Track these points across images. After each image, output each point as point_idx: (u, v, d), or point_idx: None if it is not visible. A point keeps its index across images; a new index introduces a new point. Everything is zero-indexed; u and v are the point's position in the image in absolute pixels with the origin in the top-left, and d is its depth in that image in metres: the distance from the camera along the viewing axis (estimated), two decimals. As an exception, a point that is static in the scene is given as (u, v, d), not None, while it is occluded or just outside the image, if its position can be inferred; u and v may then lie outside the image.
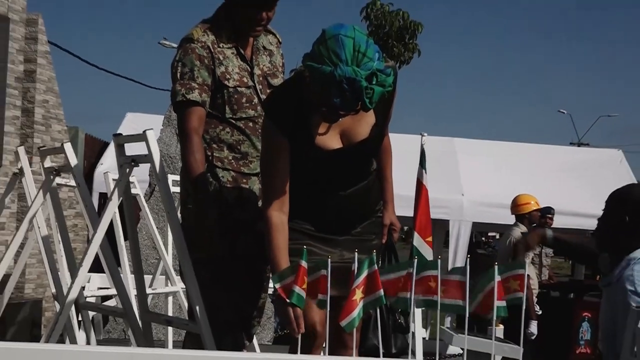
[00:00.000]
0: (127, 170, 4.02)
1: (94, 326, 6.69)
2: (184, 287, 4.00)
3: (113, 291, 6.07)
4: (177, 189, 4.39)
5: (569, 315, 9.63)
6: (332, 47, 3.13)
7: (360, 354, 3.72)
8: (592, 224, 3.82)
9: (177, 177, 4.56)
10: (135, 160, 3.99)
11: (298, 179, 3.46)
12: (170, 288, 6.79)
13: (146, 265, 8.25)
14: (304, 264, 3.05)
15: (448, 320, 11.08)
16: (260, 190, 3.89)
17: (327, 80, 3.12)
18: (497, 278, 3.10)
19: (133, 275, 4.42)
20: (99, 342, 6.96)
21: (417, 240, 7.58)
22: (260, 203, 3.84)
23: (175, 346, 6.65)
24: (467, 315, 3.19)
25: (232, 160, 3.95)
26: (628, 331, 2.50)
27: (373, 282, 3.06)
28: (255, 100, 3.98)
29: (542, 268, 10.03)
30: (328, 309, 3.09)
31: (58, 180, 5.09)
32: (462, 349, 7.09)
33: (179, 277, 5.55)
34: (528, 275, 8.89)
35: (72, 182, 5.11)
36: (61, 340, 4.47)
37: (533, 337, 8.79)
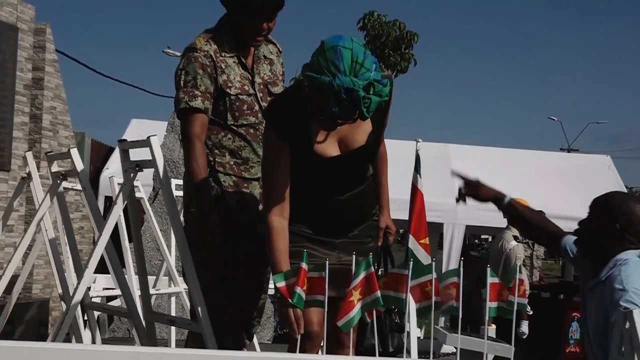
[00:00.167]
0: (132, 174, 4.03)
1: (99, 325, 6.69)
2: (187, 287, 4.00)
3: (118, 292, 6.06)
4: (180, 193, 4.39)
5: (559, 316, 9.63)
6: (331, 58, 3.13)
7: (359, 353, 3.72)
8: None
9: (181, 182, 4.56)
10: (140, 165, 4.00)
11: (297, 184, 3.46)
12: (173, 289, 6.79)
13: (150, 267, 8.25)
14: (304, 266, 3.05)
15: (442, 320, 11.07)
16: (261, 194, 3.89)
17: (326, 90, 3.12)
18: (491, 280, 3.11)
19: (137, 276, 4.41)
20: (104, 341, 6.95)
21: (412, 243, 7.57)
22: (260, 207, 3.85)
23: (178, 345, 6.64)
24: (460, 315, 3.20)
25: (234, 166, 3.96)
26: (616, 332, 2.50)
27: (370, 284, 3.07)
28: (256, 107, 3.98)
29: (533, 270, 10.04)
30: (326, 309, 3.09)
31: (65, 184, 5.08)
32: (456, 348, 7.09)
33: (182, 278, 5.56)
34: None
35: (79, 186, 5.10)
36: (67, 339, 4.46)
37: (524, 337, 8.78)
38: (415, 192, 7.79)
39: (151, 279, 6.40)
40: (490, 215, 11.39)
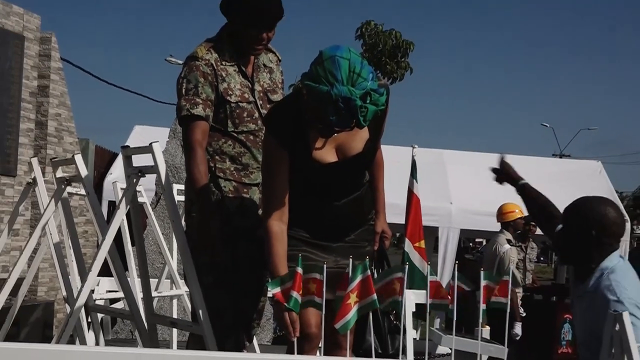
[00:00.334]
0: (134, 180, 4.03)
1: (102, 327, 6.68)
2: (188, 290, 4.00)
3: (121, 294, 6.05)
4: (182, 198, 4.39)
5: (552, 317, 9.63)
6: (329, 68, 3.13)
7: (359, 355, 3.72)
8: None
9: (182, 187, 4.56)
10: (142, 171, 4.00)
11: (296, 190, 3.46)
12: (175, 291, 6.78)
13: (152, 270, 8.24)
14: (299, 270, 3.05)
15: (437, 321, 11.08)
16: (260, 199, 3.89)
17: (324, 99, 3.12)
18: (484, 283, 3.11)
19: (140, 279, 4.41)
20: (107, 343, 6.94)
21: (408, 246, 7.60)
22: (260, 211, 3.85)
23: (179, 346, 6.64)
24: (455, 316, 3.20)
25: (234, 171, 3.96)
26: (606, 334, 2.50)
27: (366, 287, 3.07)
28: (256, 114, 3.98)
29: (526, 272, 10.01)
30: (324, 312, 3.09)
31: (69, 189, 5.09)
32: (450, 349, 7.09)
33: (183, 281, 5.55)
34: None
35: (83, 191, 5.10)
36: (71, 341, 4.47)
37: (517, 338, 8.79)
38: (411, 196, 7.82)
39: (153, 281, 6.40)
40: (484, 220, 11.43)
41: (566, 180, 12.68)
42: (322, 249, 3.55)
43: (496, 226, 9.58)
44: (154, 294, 5.89)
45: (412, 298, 5.57)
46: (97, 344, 5.18)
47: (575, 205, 3.45)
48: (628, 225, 12.58)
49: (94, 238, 9.71)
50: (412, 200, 7.80)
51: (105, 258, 4.30)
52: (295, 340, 3.20)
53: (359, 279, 3.06)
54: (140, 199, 5.30)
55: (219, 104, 3.91)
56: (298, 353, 3.22)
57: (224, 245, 3.81)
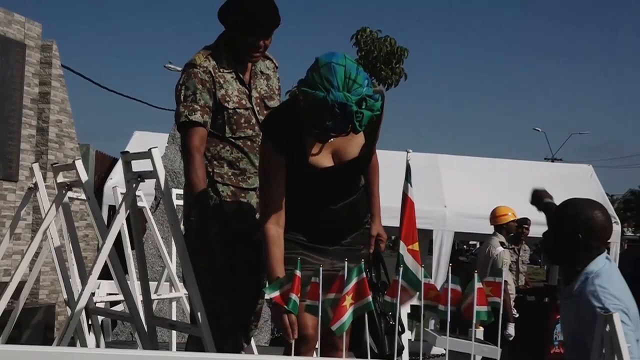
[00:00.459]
0: (134, 185, 4.03)
1: (103, 329, 6.67)
2: (187, 293, 4.00)
3: (121, 297, 6.06)
4: (181, 202, 4.39)
5: (544, 318, 9.62)
6: (325, 74, 3.14)
7: (357, 356, 3.72)
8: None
9: (181, 191, 4.57)
10: (142, 176, 4.00)
11: (293, 195, 3.46)
12: (174, 294, 6.78)
13: (152, 273, 8.24)
14: (298, 273, 3.05)
15: (432, 322, 11.07)
16: (258, 203, 3.90)
17: (320, 104, 3.12)
18: (478, 285, 3.11)
19: (139, 282, 4.41)
20: (108, 345, 6.94)
21: (403, 249, 7.59)
22: (257, 215, 3.85)
23: (178, 348, 6.63)
24: (449, 318, 3.20)
25: (232, 176, 3.96)
26: (596, 335, 2.50)
27: (361, 289, 3.07)
28: (253, 120, 3.99)
29: (519, 274, 10.01)
30: (320, 313, 3.09)
31: (70, 194, 5.08)
32: (445, 350, 7.09)
33: (182, 283, 5.55)
34: (506, 281, 8.92)
35: (83, 196, 5.10)
36: (72, 343, 4.47)
37: (511, 339, 8.79)
38: (405, 200, 7.80)
39: (153, 284, 6.40)
40: (477, 222, 11.44)
41: (558, 184, 12.63)
42: (318, 252, 3.55)
43: (489, 229, 9.59)
44: (153, 296, 5.88)
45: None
46: (97, 346, 5.17)
47: (563, 207, 3.44)
48: (618, 227, 12.61)
49: (95, 242, 9.71)
50: (406, 203, 7.79)
51: (106, 261, 4.29)
52: (292, 342, 3.20)
53: (354, 281, 3.06)
54: (139, 204, 5.30)
55: (217, 110, 3.91)
56: (295, 354, 3.22)
57: (222, 249, 3.81)
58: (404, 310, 4.36)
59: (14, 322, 5.75)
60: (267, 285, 3.34)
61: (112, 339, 8.77)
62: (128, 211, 4.14)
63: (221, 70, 3.94)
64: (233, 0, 3.93)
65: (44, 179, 5.81)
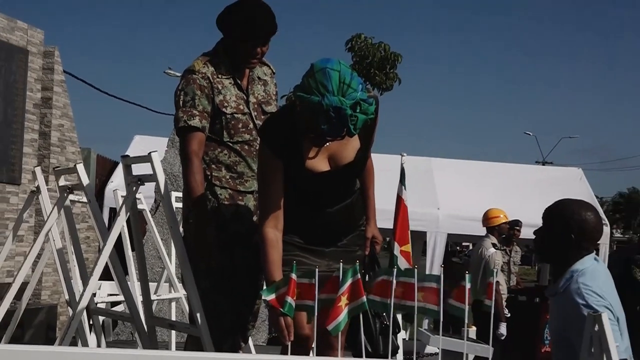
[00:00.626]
0: (134, 188, 4.03)
1: (103, 329, 6.68)
2: (186, 293, 4.00)
3: (121, 297, 6.06)
4: (180, 205, 4.39)
5: (535, 318, 9.62)
6: (320, 79, 3.14)
7: (353, 356, 3.72)
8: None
9: (180, 194, 4.57)
10: (142, 180, 4.00)
11: (290, 198, 3.46)
12: (173, 294, 6.78)
13: (151, 274, 8.24)
14: (294, 276, 3.05)
15: (426, 322, 11.07)
16: (255, 206, 3.90)
17: (316, 109, 3.13)
18: (467, 285, 3.11)
19: (139, 283, 4.40)
20: (109, 344, 6.93)
21: (397, 250, 7.60)
22: (255, 218, 3.85)
23: (178, 348, 6.63)
24: (442, 318, 3.20)
25: (229, 179, 3.96)
26: (585, 334, 2.51)
27: (356, 290, 3.07)
28: (251, 125, 3.99)
29: (510, 275, 10.02)
30: (316, 313, 3.09)
31: (71, 197, 5.08)
32: (438, 349, 7.09)
33: (182, 284, 5.55)
34: (498, 281, 8.92)
35: (84, 199, 5.10)
36: (74, 343, 4.46)
37: (502, 338, 8.79)
38: (399, 202, 7.81)
39: (152, 285, 6.39)
40: (470, 224, 11.45)
41: (548, 187, 12.73)
42: (315, 253, 3.55)
43: (482, 230, 9.60)
44: (153, 297, 5.88)
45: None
46: (98, 345, 5.17)
47: (557, 207, 3.46)
48: (607, 229, 12.61)
49: (96, 244, 9.70)
50: (400, 206, 7.80)
51: (106, 263, 4.29)
52: (288, 344, 3.20)
53: (349, 282, 3.06)
54: (139, 206, 5.30)
55: (215, 115, 3.91)
56: (292, 354, 3.22)
57: (220, 251, 3.81)
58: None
59: (16, 322, 5.75)
60: (264, 287, 3.34)
61: (112, 338, 8.77)
62: (128, 213, 4.14)
63: (219, 76, 3.94)
64: (231, 8, 3.94)
65: (46, 182, 5.79)
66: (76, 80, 17.30)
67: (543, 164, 38.27)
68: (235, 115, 3.96)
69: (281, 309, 3.09)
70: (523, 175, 14.13)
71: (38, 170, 5.58)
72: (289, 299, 3.04)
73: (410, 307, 3.18)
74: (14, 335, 5.80)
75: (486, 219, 9.42)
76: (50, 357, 2.16)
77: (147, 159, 3.90)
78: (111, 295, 6.98)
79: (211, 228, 3.79)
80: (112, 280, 5.99)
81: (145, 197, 6.67)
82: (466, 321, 3.20)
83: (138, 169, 4.09)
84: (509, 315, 9.15)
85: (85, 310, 4.32)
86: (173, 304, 6.97)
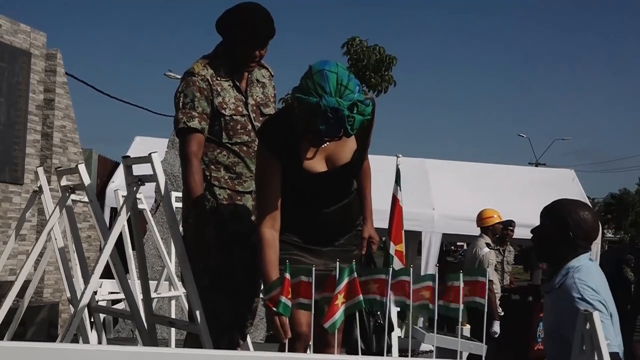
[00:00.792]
0: (135, 188, 4.02)
1: (104, 327, 6.66)
2: (186, 291, 4.00)
3: (122, 295, 6.04)
4: (180, 205, 4.39)
5: (528, 316, 9.63)
6: (318, 81, 3.15)
7: (347, 353, 3.72)
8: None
9: (180, 194, 4.56)
10: (142, 180, 3.99)
11: (288, 199, 3.46)
12: (173, 292, 6.77)
13: (152, 272, 8.24)
14: (288, 276, 3.05)
15: (421, 320, 11.08)
16: (254, 206, 3.90)
17: (314, 109, 3.14)
18: (461, 284, 3.11)
19: (140, 281, 4.40)
20: (109, 341, 6.92)
21: (393, 250, 7.61)
22: (253, 218, 3.85)
23: (177, 345, 6.62)
24: (437, 316, 3.20)
25: (228, 180, 3.96)
26: (577, 332, 2.51)
27: (353, 288, 3.07)
28: (249, 127, 3.99)
29: (504, 274, 10.04)
30: (313, 312, 3.09)
31: (73, 197, 5.07)
32: (433, 346, 7.09)
33: (181, 283, 5.54)
34: (491, 280, 8.92)
35: (86, 199, 5.09)
36: (75, 340, 4.45)
37: (496, 336, 8.80)
38: (395, 202, 7.82)
39: (153, 283, 6.39)
40: (465, 224, 11.46)
41: (541, 188, 12.74)
42: (312, 253, 3.55)
43: (476, 230, 9.61)
44: (153, 295, 5.88)
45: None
46: (99, 342, 5.17)
47: (555, 206, 3.47)
48: (599, 229, 12.62)
49: (97, 243, 9.69)
50: (395, 206, 7.82)
51: (107, 261, 4.29)
52: (285, 342, 3.20)
53: (346, 280, 3.06)
54: (140, 206, 5.29)
55: (214, 116, 3.92)
56: (289, 351, 3.22)
57: (219, 250, 3.81)
58: (394, 309, 4.36)
59: (19, 319, 5.74)
60: (262, 286, 3.34)
61: (113, 335, 8.76)
62: (129, 213, 4.14)
63: (218, 78, 3.95)
64: (230, 12, 3.94)
65: (49, 182, 5.80)
66: (78, 82, 17.29)
67: (536, 165, 38.30)
68: (234, 117, 3.96)
69: (275, 309, 3.10)
70: (516, 176, 14.14)
71: (40, 170, 5.58)
72: (283, 299, 3.04)
73: (407, 305, 3.18)
74: (17, 332, 5.79)
75: (480, 219, 9.43)
76: (52, 354, 2.16)
77: (147, 159, 3.89)
78: (112, 293, 6.96)
79: (210, 227, 3.79)
80: (113, 278, 5.98)
81: (145, 197, 6.66)
82: (460, 319, 3.20)
83: (139, 170, 4.09)
84: (502, 313, 9.16)
85: (86, 308, 4.32)
86: (173, 302, 6.97)
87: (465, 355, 7.10)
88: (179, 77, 4.22)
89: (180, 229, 4.13)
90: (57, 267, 7.68)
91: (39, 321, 8.10)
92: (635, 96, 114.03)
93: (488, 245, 9.12)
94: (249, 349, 5.20)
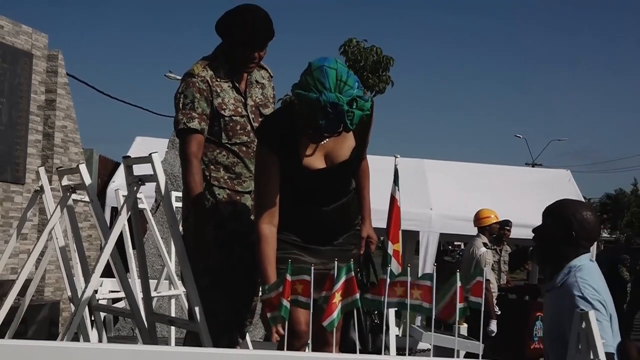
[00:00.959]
0: (135, 188, 4.03)
1: (105, 325, 6.66)
2: (185, 290, 4.00)
3: (122, 294, 6.04)
4: (180, 204, 4.39)
5: (525, 315, 9.64)
6: (318, 77, 3.16)
7: (341, 352, 3.72)
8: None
9: (180, 194, 4.56)
10: (142, 180, 4.00)
11: (287, 197, 3.47)
12: (173, 291, 6.78)
13: (152, 271, 8.23)
14: (289, 277, 3.05)
15: (418, 319, 11.08)
16: (253, 206, 3.90)
17: (314, 105, 3.15)
18: (458, 284, 3.11)
19: (140, 280, 4.40)
20: (110, 340, 6.92)
21: (391, 249, 7.61)
22: (252, 217, 3.85)
23: (177, 343, 6.62)
24: (434, 315, 3.20)
25: (228, 180, 3.96)
26: (573, 331, 2.51)
27: (350, 287, 3.07)
28: (248, 127, 3.99)
29: (500, 273, 10.04)
30: (311, 310, 3.09)
31: (74, 196, 5.08)
32: (430, 345, 7.09)
33: (181, 282, 5.54)
34: (488, 280, 8.92)
35: (87, 198, 5.09)
36: (76, 338, 4.45)
37: (493, 335, 8.80)
38: (393, 202, 7.82)
39: (153, 282, 6.40)
40: (462, 224, 11.46)
41: (538, 188, 12.76)
42: (311, 252, 3.55)
43: (473, 230, 9.61)
44: (153, 294, 5.88)
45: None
46: (100, 341, 5.17)
47: (558, 206, 3.48)
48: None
49: (97, 242, 9.69)
50: (393, 206, 7.81)
51: (108, 260, 4.29)
52: (285, 338, 3.20)
53: (343, 279, 3.06)
54: (140, 206, 5.29)
55: (214, 117, 3.92)
56: (288, 349, 3.22)
57: (219, 249, 3.81)
58: (392, 309, 4.36)
59: (20, 318, 5.74)
60: (260, 283, 3.34)
61: (113, 334, 8.76)
62: (129, 213, 4.14)
63: (218, 79, 3.95)
64: (230, 14, 3.94)
65: (50, 182, 5.80)
66: (79, 83, 17.28)
67: (533, 166, 38.31)
68: (234, 117, 3.96)
69: (269, 313, 3.09)
70: (513, 176, 14.15)
71: (42, 170, 5.58)
72: (285, 302, 3.03)
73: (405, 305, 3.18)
74: (18, 330, 5.79)
75: (477, 219, 9.43)
76: (53, 352, 2.16)
77: (148, 159, 3.90)
78: (112, 292, 6.96)
79: (210, 227, 3.79)
80: (114, 277, 5.98)
81: (146, 196, 6.66)
82: (457, 318, 3.20)
83: (139, 170, 4.09)
84: (499, 312, 9.17)
85: (87, 307, 4.32)
86: (172, 301, 6.97)
87: (462, 353, 7.11)
88: (179, 78, 4.22)
89: (180, 228, 4.14)
90: (58, 266, 7.67)
91: (40, 320, 8.10)
92: (631, 97, 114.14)
93: (485, 245, 9.12)
94: (248, 348, 5.20)
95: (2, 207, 8.40)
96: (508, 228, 9.90)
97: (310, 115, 3.19)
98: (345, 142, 3.49)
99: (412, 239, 13.06)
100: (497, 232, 9.64)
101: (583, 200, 14.55)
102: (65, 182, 4.96)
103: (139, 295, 5.23)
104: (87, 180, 4.61)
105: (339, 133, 3.31)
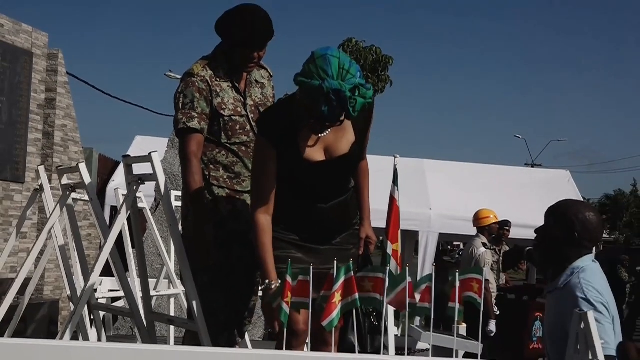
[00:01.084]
0: (135, 187, 4.03)
1: (104, 324, 6.66)
2: (185, 290, 4.00)
3: (121, 293, 6.04)
4: (179, 204, 4.39)
5: (524, 315, 9.65)
6: (321, 65, 3.18)
7: (340, 352, 3.72)
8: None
9: (180, 193, 4.57)
10: (142, 179, 4.00)
11: (286, 193, 3.47)
12: (172, 291, 6.78)
13: (151, 270, 8.23)
14: (289, 279, 3.04)
15: (417, 319, 11.07)
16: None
17: (316, 92, 3.16)
18: (457, 284, 3.11)
19: (139, 279, 4.40)
20: (109, 339, 6.92)
21: (390, 249, 7.61)
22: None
23: (176, 342, 6.63)
24: (432, 315, 3.20)
25: (227, 179, 3.96)
26: (572, 332, 2.51)
27: (349, 287, 3.07)
28: (248, 127, 3.99)
29: (499, 274, 10.05)
30: (310, 310, 3.09)
31: (74, 195, 5.08)
32: (429, 345, 7.09)
33: (180, 281, 5.54)
34: (487, 279, 8.91)
35: (86, 197, 5.09)
36: (75, 337, 4.45)
37: (492, 335, 8.81)
38: (392, 202, 7.82)
39: (152, 281, 6.39)
40: (461, 224, 11.46)
41: (537, 188, 12.77)
42: (310, 251, 3.54)
43: (472, 230, 9.62)
44: (152, 293, 5.88)
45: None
46: (99, 340, 5.16)
47: (561, 206, 3.47)
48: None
49: (97, 241, 9.69)
50: (393, 206, 7.81)
51: (107, 259, 4.29)
52: (284, 336, 3.20)
53: (342, 279, 3.06)
54: (140, 205, 5.29)
55: (214, 117, 3.92)
56: (287, 349, 3.22)
57: (218, 248, 3.81)
58: (391, 309, 4.37)
59: (19, 316, 5.74)
60: (260, 274, 3.34)
61: (113, 333, 8.77)
62: (129, 212, 4.14)
63: (218, 79, 3.95)
64: (230, 14, 3.94)
65: (49, 180, 5.80)
66: (79, 82, 17.30)
67: (532, 166, 38.30)
68: (233, 117, 3.96)
69: (278, 317, 3.09)
70: (512, 177, 14.16)
71: (41, 169, 5.58)
72: (284, 307, 3.03)
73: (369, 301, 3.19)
74: (17, 329, 5.79)
75: (477, 219, 9.44)
76: (52, 351, 2.16)
77: (147, 159, 3.90)
78: (112, 291, 6.96)
79: (209, 226, 3.79)
80: (113, 276, 5.98)
81: (145, 196, 6.66)
82: (456, 318, 3.21)
83: (139, 169, 4.09)
84: (498, 312, 9.17)
85: (86, 306, 4.32)
86: (172, 300, 6.97)
87: (461, 354, 7.10)
88: (179, 77, 4.22)
89: (180, 227, 4.14)
90: (57, 265, 7.67)
91: (39, 318, 8.10)
92: (631, 98, 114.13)
93: (484, 245, 9.12)
94: (247, 347, 5.20)
95: (2, 205, 8.41)
96: (507, 228, 9.91)
97: (313, 102, 3.20)
98: (345, 136, 3.50)
99: (411, 239, 13.06)
100: (497, 232, 9.65)
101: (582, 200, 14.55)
102: (65, 181, 4.96)
103: (138, 294, 5.23)
104: (87, 179, 4.61)
105: (341, 122, 3.31)
